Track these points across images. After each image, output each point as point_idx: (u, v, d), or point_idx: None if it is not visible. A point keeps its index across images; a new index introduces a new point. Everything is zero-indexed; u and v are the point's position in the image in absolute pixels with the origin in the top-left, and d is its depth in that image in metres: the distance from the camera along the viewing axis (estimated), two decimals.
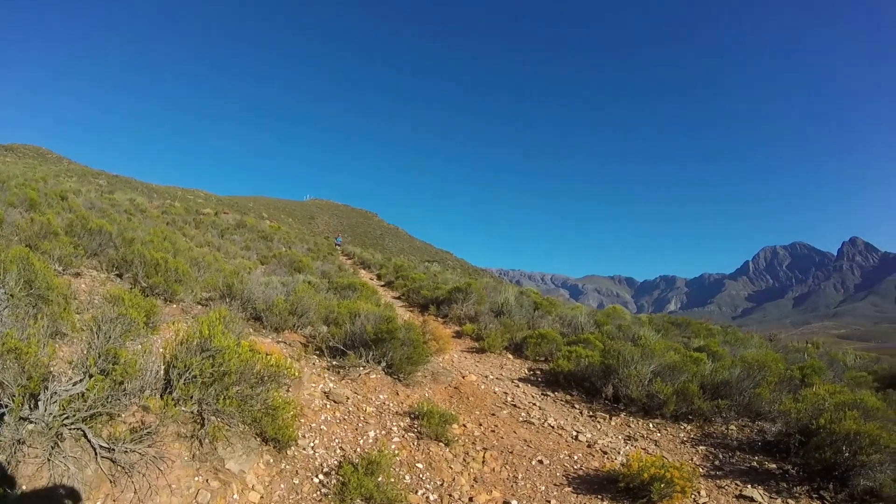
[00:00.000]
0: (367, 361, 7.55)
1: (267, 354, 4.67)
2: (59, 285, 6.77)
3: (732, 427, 6.89)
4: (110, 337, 4.44)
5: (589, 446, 6.17)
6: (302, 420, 5.38)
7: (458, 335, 12.37)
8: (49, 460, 3.45)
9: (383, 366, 7.61)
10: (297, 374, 4.90)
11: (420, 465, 5.15)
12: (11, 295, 5.74)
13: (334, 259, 24.58)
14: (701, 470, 5.65)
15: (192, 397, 4.24)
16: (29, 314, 5.54)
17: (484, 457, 5.60)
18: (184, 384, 4.23)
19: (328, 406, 5.98)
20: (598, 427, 6.91)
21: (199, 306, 9.22)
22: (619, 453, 6.00)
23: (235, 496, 3.93)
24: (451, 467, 5.25)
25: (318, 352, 7.91)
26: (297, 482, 4.33)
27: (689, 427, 6.93)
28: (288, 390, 6.02)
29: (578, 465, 5.63)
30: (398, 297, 18.14)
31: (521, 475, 5.29)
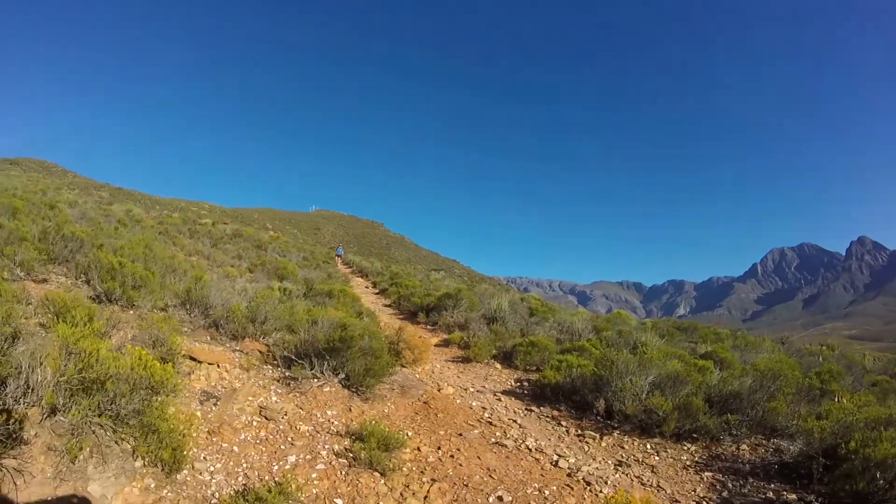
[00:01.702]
0: (322, 373, 6.84)
1: (143, 361, 3.95)
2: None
3: (744, 446, 5.98)
4: None
5: (569, 475, 5.24)
6: (215, 438, 4.66)
7: (446, 343, 11.70)
8: None
9: (341, 378, 6.90)
10: (175, 384, 4.14)
11: (339, 502, 4.28)
12: None
13: (328, 267, 24.05)
14: None
15: (69, 407, 3.66)
16: None
17: (428, 491, 4.68)
18: (52, 391, 3.62)
19: (255, 423, 5.23)
20: (586, 449, 6.01)
21: (162, 313, 8.63)
22: (605, 483, 5.06)
23: None
24: None
25: (275, 362, 7.21)
26: None
27: (692, 448, 6.00)
28: (215, 404, 5.38)
29: None
30: (389, 305, 17.56)
31: None
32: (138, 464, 3.80)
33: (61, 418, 3.68)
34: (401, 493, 4.59)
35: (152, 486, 3.72)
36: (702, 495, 4.91)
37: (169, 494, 3.71)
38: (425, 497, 4.58)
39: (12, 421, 3.66)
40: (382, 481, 4.71)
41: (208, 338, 7.84)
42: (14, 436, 3.58)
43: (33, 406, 3.79)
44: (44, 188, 30.01)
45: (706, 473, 5.37)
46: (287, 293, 12.17)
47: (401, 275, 24.20)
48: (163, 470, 3.83)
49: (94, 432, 3.82)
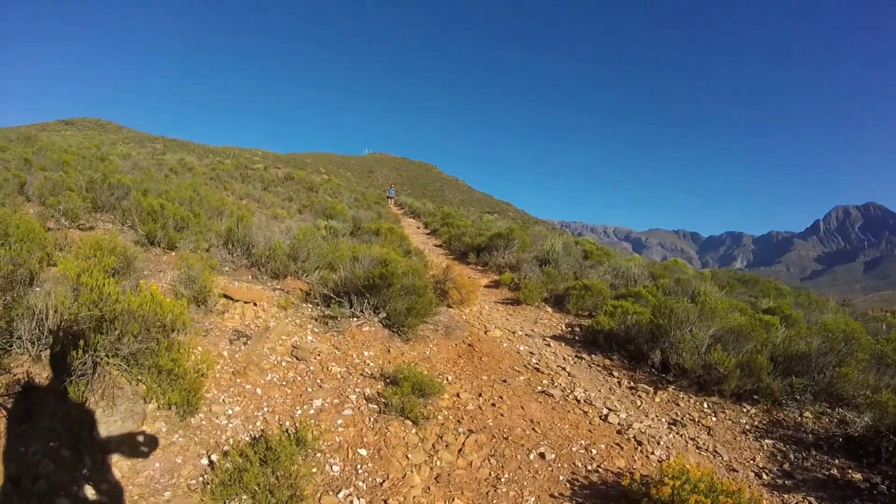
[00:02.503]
0: (362, 311, 6.55)
1: (153, 298, 3.63)
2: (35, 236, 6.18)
3: (807, 414, 5.32)
4: None
5: (619, 432, 4.75)
6: (239, 380, 4.38)
7: (496, 285, 11.29)
8: None
9: (382, 317, 6.58)
10: (185, 321, 3.80)
11: (363, 452, 3.90)
12: None
13: (379, 208, 23.91)
14: (765, 476, 4.18)
15: (82, 346, 3.46)
16: None
17: (464, 444, 4.24)
18: (57, 329, 3.41)
19: (284, 363, 4.93)
20: (638, 404, 5.49)
21: (205, 253, 8.57)
22: (658, 444, 4.56)
23: (85, 471, 3.01)
24: (407, 457, 3.95)
25: (316, 300, 6.96)
26: (179, 461, 3.30)
27: (752, 410, 5.39)
28: (245, 343, 5.14)
29: (595, 465, 4.16)
30: (440, 245, 17.26)
31: (506, 475, 3.90)
32: (151, 406, 3.56)
33: (77, 359, 3.48)
34: (433, 445, 4.19)
35: (163, 430, 3.46)
36: (761, 465, 4.37)
37: (180, 440, 3.44)
38: (459, 450, 4.17)
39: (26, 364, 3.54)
40: (414, 430, 4.32)
41: (250, 277, 7.69)
42: (22, 380, 3.45)
43: (46, 349, 3.62)
44: (98, 144, 31.00)
45: (766, 441, 4.79)
46: (333, 231, 11.98)
47: (452, 215, 23.80)
48: (177, 413, 3.58)
49: (108, 374, 3.62)
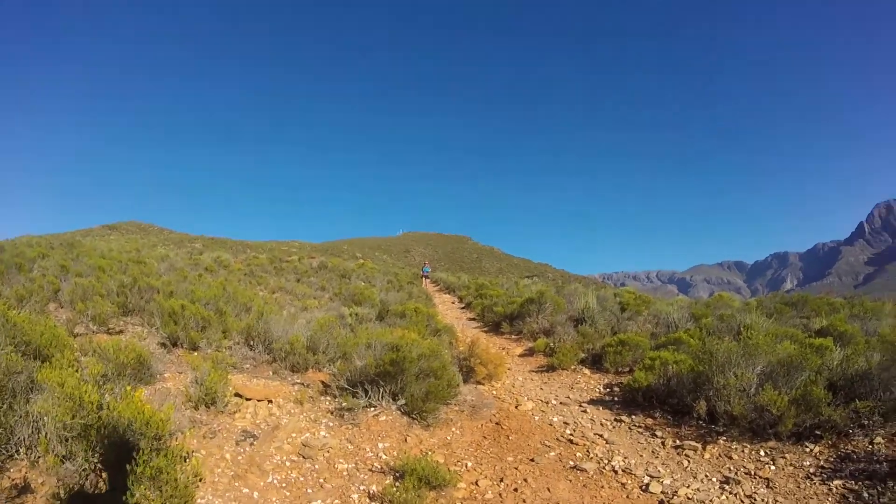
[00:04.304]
0: (379, 400, 6.48)
1: (137, 406, 3.68)
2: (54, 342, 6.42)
3: (878, 439, 4.90)
4: None
5: (662, 503, 4.41)
6: (237, 483, 4.33)
7: (531, 352, 11.15)
8: None
9: (400, 404, 6.49)
10: (164, 431, 3.80)
11: None
12: None
13: (412, 288, 24.00)
14: None
15: (73, 454, 3.57)
16: None
17: None
18: (45, 437, 3.53)
19: (289, 463, 4.86)
20: (685, 465, 5.13)
21: (227, 352, 8.74)
22: None
23: None
24: None
25: (334, 392, 6.95)
26: None
27: (816, 449, 4.98)
28: (251, 444, 5.12)
29: None
30: (474, 318, 17.21)
31: None
32: None
33: (69, 465, 3.56)
34: None
35: None
36: None
37: None
38: None
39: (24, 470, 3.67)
40: None
41: (271, 372, 7.76)
42: (19, 485, 3.60)
43: (41, 457, 3.73)
44: (138, 247, 32.55)
45: (835, 482, 4.40)
46: (358, 318, 12.05)
47: (486, 286, 23.76)
48: None
49: (100, 479, 3.68)
